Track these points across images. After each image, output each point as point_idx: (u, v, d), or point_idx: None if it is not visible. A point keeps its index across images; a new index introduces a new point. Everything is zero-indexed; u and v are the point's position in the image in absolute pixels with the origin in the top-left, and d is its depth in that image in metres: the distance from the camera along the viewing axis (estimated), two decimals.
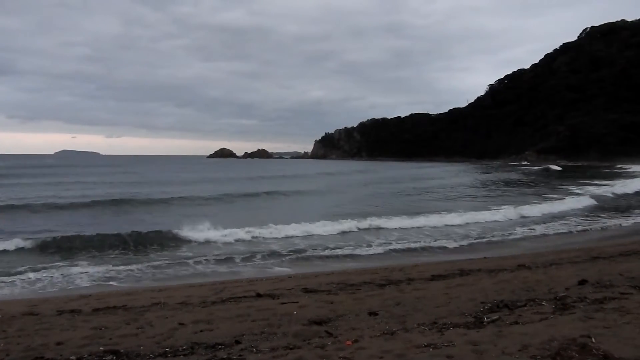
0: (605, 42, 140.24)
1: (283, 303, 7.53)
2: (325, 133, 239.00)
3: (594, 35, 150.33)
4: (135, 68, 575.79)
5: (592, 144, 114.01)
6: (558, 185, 42.83)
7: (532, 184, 46.47)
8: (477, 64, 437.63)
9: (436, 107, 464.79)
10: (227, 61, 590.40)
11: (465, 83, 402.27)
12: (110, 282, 11.59)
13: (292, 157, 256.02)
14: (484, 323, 5.53)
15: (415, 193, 38.42)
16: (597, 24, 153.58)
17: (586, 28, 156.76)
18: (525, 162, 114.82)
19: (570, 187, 39.53)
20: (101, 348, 5.43)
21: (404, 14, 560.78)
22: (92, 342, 5.70)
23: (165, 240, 16.44)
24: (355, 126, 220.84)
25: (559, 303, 6.26)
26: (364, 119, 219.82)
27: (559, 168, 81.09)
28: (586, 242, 15.72)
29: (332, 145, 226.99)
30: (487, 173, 71.10)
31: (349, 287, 8.87)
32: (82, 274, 12.12)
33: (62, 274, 12.07)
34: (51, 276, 11.90)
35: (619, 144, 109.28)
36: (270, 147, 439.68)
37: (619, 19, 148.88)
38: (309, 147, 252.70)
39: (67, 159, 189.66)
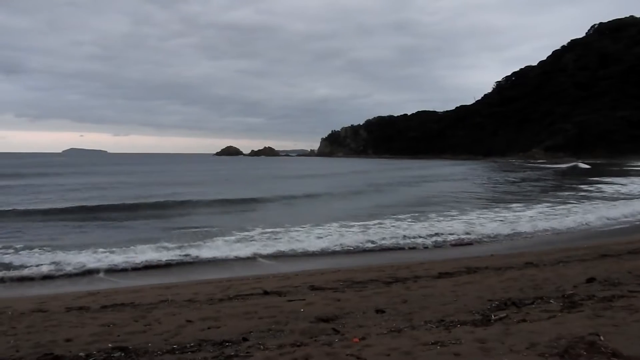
0: (614, 39, 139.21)
1: (290, 300, 7.55)
2: (332, 131, 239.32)
3: (602, 32, 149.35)
4: (143, 67, 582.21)
5: (600, 142, 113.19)
6: (610, 183, 41.33)
7: (582, 184, 42.53)
8: (484, 61, 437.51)
9: (443, 104, 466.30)
10: (234, 59, 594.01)
11: (472, 80, 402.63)
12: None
13: (298, 155, 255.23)
14: (492, 321, 5.51)
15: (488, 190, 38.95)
16: (605, 20, 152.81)
17: (594, 24, 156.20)
18: (542, 160, 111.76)
19: (630, 186, 38.15)
20: (109, 345, 5.46)
21: (412, 12, 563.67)
22: (101, 339, 5.73)
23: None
24: (361, 124, 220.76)
25: (566, 301, 6.24)
26: (371, 117, 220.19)
27: (587, 166, 78.94)
28: (593, 239, 15.61)
29: (339, 143, 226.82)
30: (515, 172, 67.38)
31: (355, 284, 8.87)
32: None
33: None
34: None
35: (626, 141, 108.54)
36: (277, 144, 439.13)
37: (627, 15, 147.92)
38: (315, 145, 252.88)
39: (76, 158, 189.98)
